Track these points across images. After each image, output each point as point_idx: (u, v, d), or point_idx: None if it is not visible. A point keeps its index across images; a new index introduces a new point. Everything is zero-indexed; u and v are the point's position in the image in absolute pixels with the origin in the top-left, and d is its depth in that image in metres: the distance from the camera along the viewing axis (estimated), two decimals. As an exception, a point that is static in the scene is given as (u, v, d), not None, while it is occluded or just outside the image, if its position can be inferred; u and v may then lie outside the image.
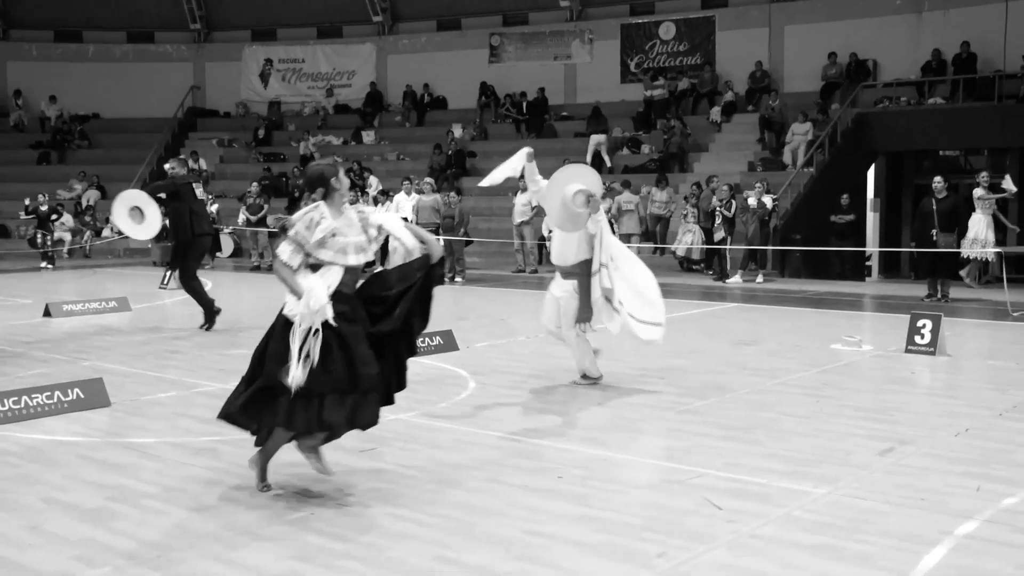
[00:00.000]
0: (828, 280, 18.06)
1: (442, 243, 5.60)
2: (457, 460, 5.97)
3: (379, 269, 5.71)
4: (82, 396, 7.34)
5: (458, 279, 17.85)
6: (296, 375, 4.90)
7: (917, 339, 9.76)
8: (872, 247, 19.72)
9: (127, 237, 12.12)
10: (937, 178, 15.16)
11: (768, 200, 17.99)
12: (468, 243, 19.65)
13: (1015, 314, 12.83)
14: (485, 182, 8.55)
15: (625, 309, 7.91)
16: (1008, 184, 15.27)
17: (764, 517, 4.88)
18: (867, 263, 20.00)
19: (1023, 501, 5.13)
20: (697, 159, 23.57)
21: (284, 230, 5.16)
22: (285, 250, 5.12)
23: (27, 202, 22.94)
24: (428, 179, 21.17)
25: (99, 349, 10.33)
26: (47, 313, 12.82)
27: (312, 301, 4.95)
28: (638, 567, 4.26)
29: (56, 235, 23.19)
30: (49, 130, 30.18)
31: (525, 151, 8.07)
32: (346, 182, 5.35)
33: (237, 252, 23.78)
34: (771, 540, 4.57)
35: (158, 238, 17.83)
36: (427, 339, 9.45)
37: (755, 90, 24.81)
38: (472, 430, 6.73)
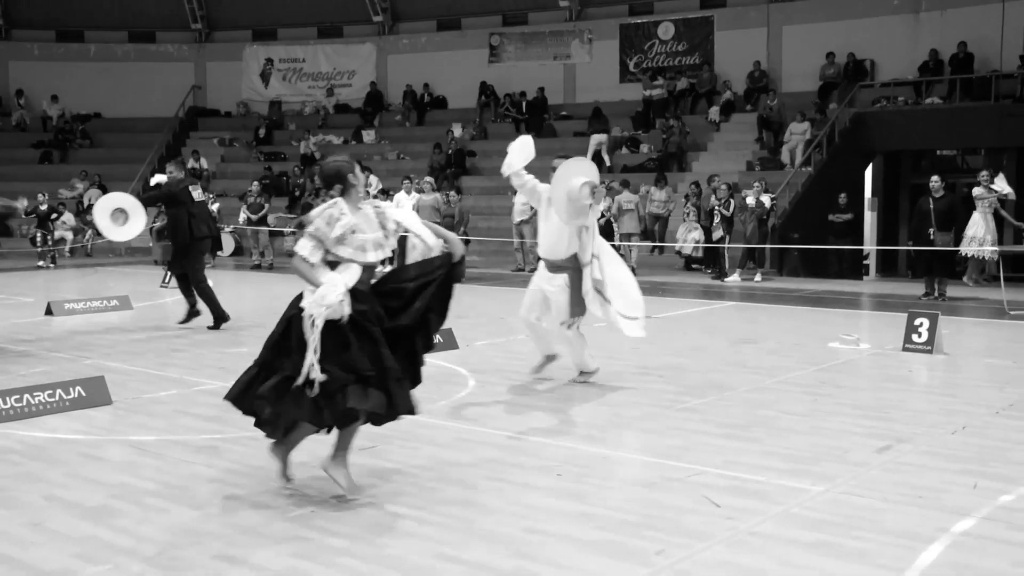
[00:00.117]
0: (826, 279, 18.09)
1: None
2: (457, 458, 5.98)
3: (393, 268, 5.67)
4: (84, 394, 7.36)
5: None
6: (314, 371, 4.86)
7: (914, 337, 9.79)
8: (870, 246, 19.75)
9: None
10: (934, 177, 15.19)
11: (766, 199, 18.02)
12: (467, 242, 19.66)
13: (1012, 312, 12.85)
14: (507, 170, 8.39)
15: (613, 306, 7.96)
16: (1000, 185, 15.26)
17: (762, 514, 4.89)
18: (865, 262, 20.04)
19: (1020, 498, 5.15)
20: (696, 158, 23.61)
21: (302, 226, 5.10)
22: (305, 245, 5.04)
23: (24, 202, 22.97)
24: (428, 178, 21.22)
25: (101, 347, 10.36)
26: (49, 311, 12.86)
27: (331, 295, 4.88)
28: (637, 564, 4.28)
29: (58, 234, 23.22)
30: (51, 129, 30.22)
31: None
32: (363, 178, 5.31)
33: (238, 251, 23.81)
34: (769, 537, 4.59)
35: (159, 236, 17.86)
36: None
37: (753, 90, 24.85)
38: (472, 428, 6.75)
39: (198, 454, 6.11)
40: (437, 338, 9.51)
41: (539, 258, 8.48)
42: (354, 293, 5.01)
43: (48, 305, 12.96)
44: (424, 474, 5.62)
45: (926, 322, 9.75)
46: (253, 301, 14.80)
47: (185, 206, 11.57)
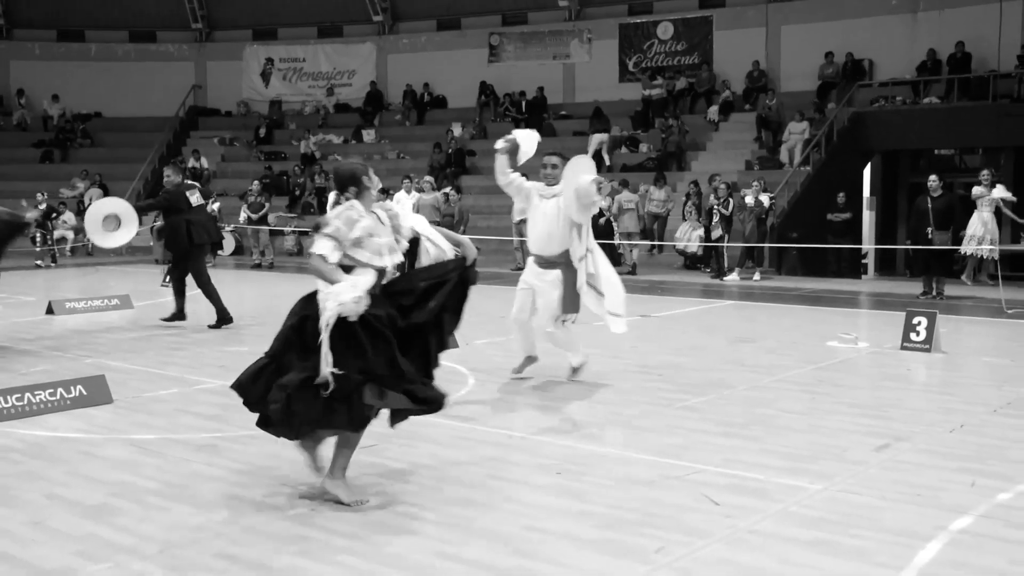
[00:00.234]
0: (824, 278, 18.11)
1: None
2: (456, 456, 6.00)
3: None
4: (84, 393, 7.37)
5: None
6: (327, 368, 4.83)
7: (913, 336, 9.81)
8: (868, 245, 19.77)
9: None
10: (932, 177, 15.21)
11: (765, 198, 18.05)
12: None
13: (1010, 311, 12.88)
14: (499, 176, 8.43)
15: (605, 300, 8.01)
16: (1000, 193, 15.26)
17: (761, 512, 4.91)
18: (863, 261, 20.06)
19: (1017, 496, 5.17)
20: (695, 158, 23.65)
21: (318, 228, 5.07)
22: (325, 245, 4.98)
23: (33, 212, 22.98)
24: (428, 177, 21.23)
25: (101, 346, 10.38)
26: (50, 310, 12.88)
27: (347, 293, 4.82)
28: (636, 562, 4.29)
29: (58, 233, 23.23)
30: (52, 129, 30.24)
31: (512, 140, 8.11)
32: (376, 181, 5.28)
33: (238, 250, 23.83)
34: (768, 535, 4.60)
35: (160, 235, 17.85)
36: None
37: (752, 89, 24.87)
38: (471, 426, 6.77)
39: (199, 453, 6.12)
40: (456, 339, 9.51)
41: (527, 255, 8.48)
42: (370, 297, 4.97)
43: (49, 304, 12.99)
44: (424, 472, 5.63)
45: (924, 321, 9.77)
46: (254, 300, 14.80)
47: (183, 213, 11.51)
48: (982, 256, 15.52)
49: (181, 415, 7.18)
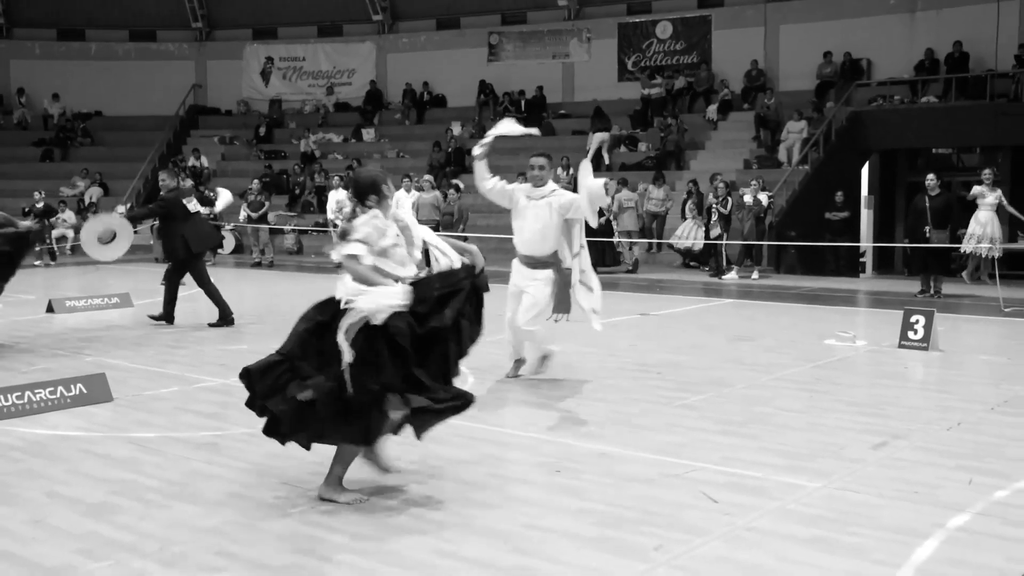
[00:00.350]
0: (822, 276, 18.12)
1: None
2: (456, 455, 6.01)
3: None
4: (85, 391, 7.39)
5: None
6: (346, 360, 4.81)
7: (910, 334, 9.83)
8: (866, 244, 19.79)
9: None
10: (930, 176, 15.24)
11: (763, 197, 18.08)
12: (464, 239, 19.70)
13: (1007, 310, 12.90)
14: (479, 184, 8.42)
15: (594, 295, 8.11)
16: (979, 191, 15.32)
17: (759, 510, 4.92)
18: (861, 259, 20.05)
19: (1014, 494, 5.19)
20: (693, 157, 23.68)
21: (345, 235, 5.03)
22: (359, 248, 4.95)
23: (29, 222, 23.00)
24: (428, 176, 21.26)
25: (102, 345, 10.39)
26: (50, 309, 12.91)
27: (390, 298, 4.81)
28: (635, 560, 4.31)
29: (58, 232, 23.26)
30: (52, 128, 30.28)
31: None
32: (394, 189, 5.27)
33: (238, 249, 23.86)
34: (766, 533, 4.62)
35: (160, 235, 17.84)
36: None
37: (751, 88, 24.91)
38: (470, 424, 6.76)
39: (199, 451, 6.13)
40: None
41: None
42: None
43: (49, 303, 13.01)
44: (423, 470, 5.64)
45: (922, 319, 9.79)
46: (254, 299, 14.84)
47: (179, 221, 11.46)
48: (981, 255, 15.54)
49: (181, 413, 7.19)
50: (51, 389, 7.26)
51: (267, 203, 22.28)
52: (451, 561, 4.31)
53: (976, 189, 15.44)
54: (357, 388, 4.80)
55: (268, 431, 5.13)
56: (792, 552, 4.39)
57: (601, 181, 7.94)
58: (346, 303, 4.88)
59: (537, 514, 4.90)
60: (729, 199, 17.87)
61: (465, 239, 19.43)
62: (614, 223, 19.28)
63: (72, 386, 7.37)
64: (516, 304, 8.22)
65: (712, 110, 24.93)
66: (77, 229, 23.71)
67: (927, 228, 14.73)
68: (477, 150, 8.12)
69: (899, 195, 23.24)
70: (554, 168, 8.39)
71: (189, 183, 24.51)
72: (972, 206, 15.60)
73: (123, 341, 10.67)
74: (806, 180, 20.50)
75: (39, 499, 5.19)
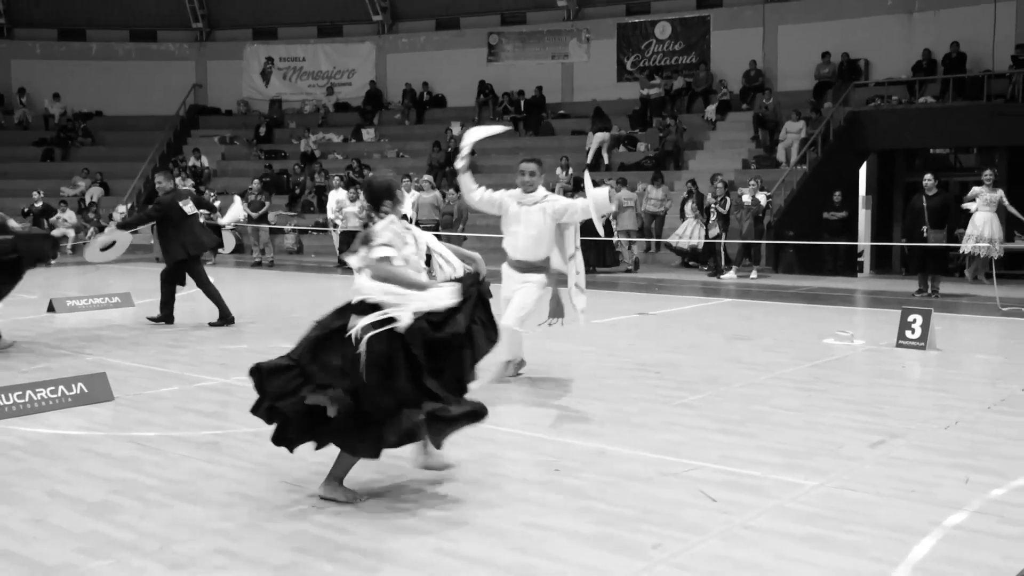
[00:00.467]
0: (821, 276, 18.16)
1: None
2: (455, 453, 6.00)
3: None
4: (85, 390, 7.40)
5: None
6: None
7: (908, 334, 9.86)
8: (864, 243, 19.83)
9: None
10: (927, 176, 15.28)
11: (762, 197, 18.11)
12: (464, 239, 19.73)
13: (1004, 309, 12.93)
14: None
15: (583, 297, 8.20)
16: (977, 191, 15.38)
17: (757, 508, 4.94)
18: (859, 259, 20.10)
19: (1011, 492, 5.20)
20: (692, 157, 23.71)
21: (368, 241, 5.03)
22: (388, 251, 4.97)
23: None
24: (427, 176, 21.28)
25: (102, 344, 10.40)
26: (51, 308, 12.93)
27: (443, 300, 4.83)
28: (633, 558, 4.32)
29: (59, 231, 23.22)
30: (53, 127, 30.32)
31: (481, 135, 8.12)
32: (405, 194, 5.29)
33: (239, 248, 23.83)
34: (764, 531, 4.64)
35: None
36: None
37: (749, 89, 24.94)
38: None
39: (199, 450, 6.14)
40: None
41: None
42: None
43: (50, 302, 13.03)
44: (422, 470, 5.65)
45: (919, 319, 9.82)
46: (254, 299, 14.86)
47: (174, 223, 11.46)
48: (979, 255, 15.58)
49: (182, 412, 7.20)
50: (52, 388, 7.28)
51: (267, 203, 22.31)
52: (451, 560, 4.33)
53: (975, 190, 15.47)
54: (371, 404, 4.82)
55: (277, 439, 5.11)
56: (790, 550, 4.40)
57: (606, 190, 7.96)
58: (374, 303, 4.90)
59: (536, 512, 4.92)
60: (727, 199, 17.90)
61: (464, 239, 19.48)
62: (613, 223, 19.30)
63: (73, 385, 7.39)
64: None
65: (711, 110, 24.96)
66: (78, 229, 23.77)
67: (924, 228, 14.77)
68: (459, 163, 8.10)
69: (897, 195, 23.28)
70: (543, 174, 8.36)
71: (189, 184, 24.61)
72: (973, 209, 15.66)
73: (124, 340, 10.68)
74: (804, 180, 20.53)
75: (40, 498, 5.20)
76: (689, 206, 19.62)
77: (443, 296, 4.89)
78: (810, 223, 18.79)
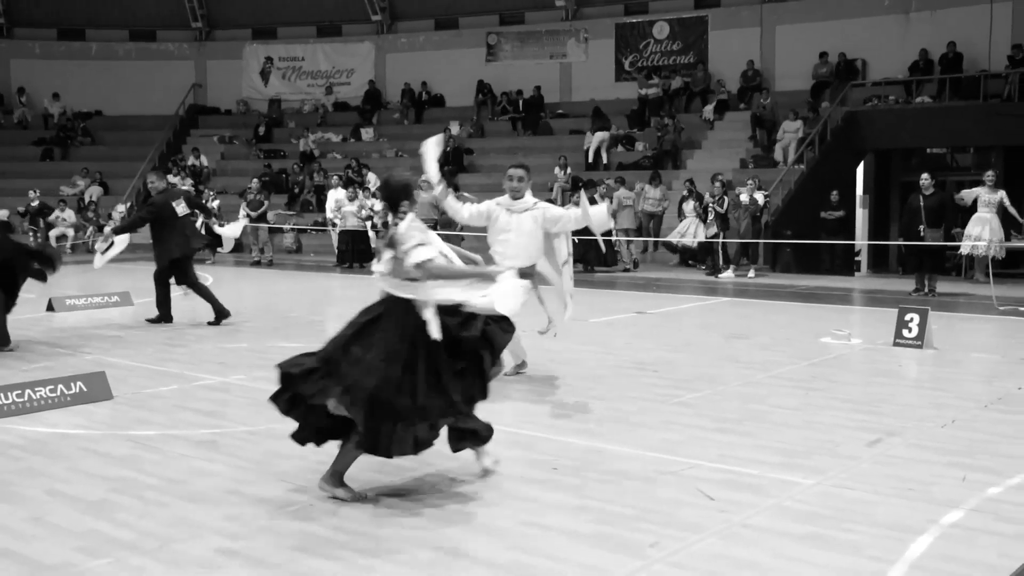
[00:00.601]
0: (818, 275, 18.16)
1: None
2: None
3: None
4: (84, 389, 7.42)
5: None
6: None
7: (905, 333, 9.88)
8: (861, 242, 19.84)
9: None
10: (924, 175, 15.31)
11: (760, 196, 18.12)
12: (462, 239, 19.72)
13: (1001, 308, 12.96)
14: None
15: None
16: (968, 193, 15.44)
17: (755, 507, 4.96)
18: (856, 258, 20.11)
19: (1007, 491, 5.22)
20: (690, 156, 23.71)
21: (393, 244, 5.03)
22: (427, 250, 5.00)
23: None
24: (425, 176, 21.23)
25: (101, 343, 10.41)
26: (50, 307, 12.94)
27: (517, 291, 4.92)
28: (631, 557, 4.33)
29: (58, 231, 23.30)
30: (52, 127, 30.30)
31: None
32: (420, 193, 5.34)
33: (238, 248, 23.81)
34: (762, 530, 4.65)
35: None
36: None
37: (747, 89, 24.95)
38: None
39: (198, 448, 6.15)
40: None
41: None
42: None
43: (49, 301, 13.03)
44: (421, 468, 5.65)
45: (916, 317, 9.84)
46: (253, 298, 14.87)
47: (168, 225, 11.46)
48: (977, 255, 15.61)
49: (180, 411, 7.21)
50: (51, 387, 7.29)
51: (266, 202, 22.31)
52: (448, 558, 4.34)
53: (965, 192, 15.51)
54: (389, 401, 4.87)
55: (300, 437, 5.18)
56: (787, 549, 4.42)
57: (604, 207, 7.99)
58: (408, 299, 4.97)
59: (534, 511, 4.93)
60: (725, 198, 17.91)
61: (462, 239, 19.48)
62: (612, 222, 19.30)
63: (72, 384, 7.40)
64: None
65: (708, 110, 24.96)
66: (77, 228, 23.80)
67: (921, 227, 14.79)
68: (437, 190, 8.06)
69: (894, 194, 23.29)
70: (531, 180, 8.38)
71: (189, 183, 24.62)
72: (966, 207, 15.68)
73: (123, 339, 10.69)
74: (802, 179, 20.54)
75: (39, 497, 5.21)
76: (691, 206, 19.62)
77: (518, 288, 4.97)
78: (807, 222, 18.80)
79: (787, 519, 4.80)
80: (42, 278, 10.25)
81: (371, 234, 20.65)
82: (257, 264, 21.49)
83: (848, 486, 5.30)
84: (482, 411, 5.07)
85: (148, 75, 30.59)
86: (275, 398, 5.10)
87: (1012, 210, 15.47)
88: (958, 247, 15.89)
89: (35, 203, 22.66)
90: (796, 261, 18.88)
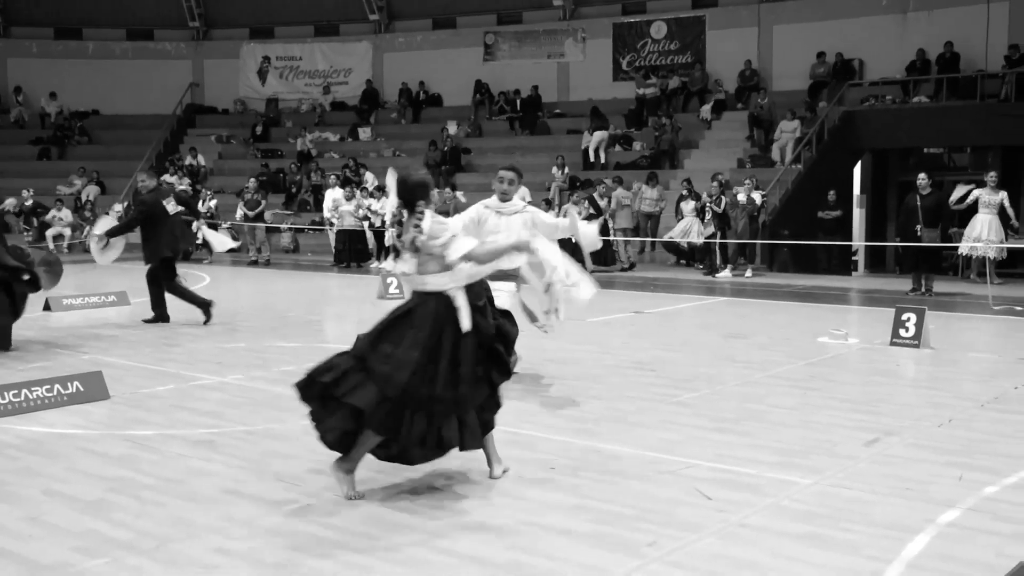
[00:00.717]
0: (815, 275, 18.19)
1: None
2: (451, 451, 6.03)
3: None
4: (81, 389, 7.41)
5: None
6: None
7: (902, 332, 9.90)
8: (858, 242, 19.86)
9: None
10: (921, 175, 15.33)
11: (757, 196, 18.12)
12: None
13: (997, 307, 12.98)
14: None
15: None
16: (960, 192, 15.47)
17: (753, 507, 4.96)
18: (853, 258, 20.12)
19: (1004, 490, 5.23)
20: (687, 156, 23.73)
21: (416, 247, 5.04)
22: (465, 240, 5.08)
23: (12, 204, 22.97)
24: (422, 176, 21.23)
25: (98, 342, 10.40)
26: (47, 307, 12.91)
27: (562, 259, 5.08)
28: (629, 556, 4.33)
29: (55, 230, 23.28)
30: (49, 126, 30.29)
31: None
32: (434, 193, 5.35)
33: (235, 247, 23.84)
34: (760, 529, 4.65)
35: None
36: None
37: (744, 88, 24.97)
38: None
39: (195, 448, 6.15)
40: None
41: None
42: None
43: (46, 301, 13.00)
44: (418, 467, 5.64)
45: (913, 317, 9.85)
46: (250, 297, 14.87)
47: (159, 224, 11.44)
48: (975, 256, 15.63)
49: (178, 411, 7.21)
50: (48, 387, 7.28)
51: (264, 202, 22.30)
52: (446, 557, 4.34)
53: (957, 191, 15.53)
54: (411, 390, 4.90)
55: (328, 440, 5.17)
56: (785, 548, 4.42)
57: (595, 227, 7.98)
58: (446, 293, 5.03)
59: (532, 510, 4.93)
60: (723, 198, 17.92)
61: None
62: (610, 222, 19.34)
63: (69, 384, 7.39)
64: None
65: (706, 110, 24.98)
66: (74, 227, 23.77)
67: (918, 227, 14.81)
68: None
69: (891, 194, 23.29)
70: (521, 183, 8.39)
71: (186, 183, 24.60)
72: (964, 208, 15.71)
73: (120, 339, 10.68)
74: (799, 179, 20.56)
75: (36, 497, 5.20)
76: (690, 206, 19.62)
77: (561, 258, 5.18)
78: (805, 222, 18.82)
79: (785, 518, 4.80)
80: (35, 288, 10.19)
81: (368, 234, 20.66)
82: (254, 264, 21.48)
83: (845, 485, 5.31)
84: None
85: (145, 74, 30.58)
86: (306, 399, 5.10)
87: (1010, 211, 15.48)
88: (955, 247, 15.91)
89: (28, 202, 22.64)
90: (793, 261, 18.90)
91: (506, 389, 7.94)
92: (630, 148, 24.69)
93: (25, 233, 22.34)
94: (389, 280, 14.30)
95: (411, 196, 5.13)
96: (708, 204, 18.05)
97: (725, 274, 17.72)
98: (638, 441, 6.29)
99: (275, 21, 31.21)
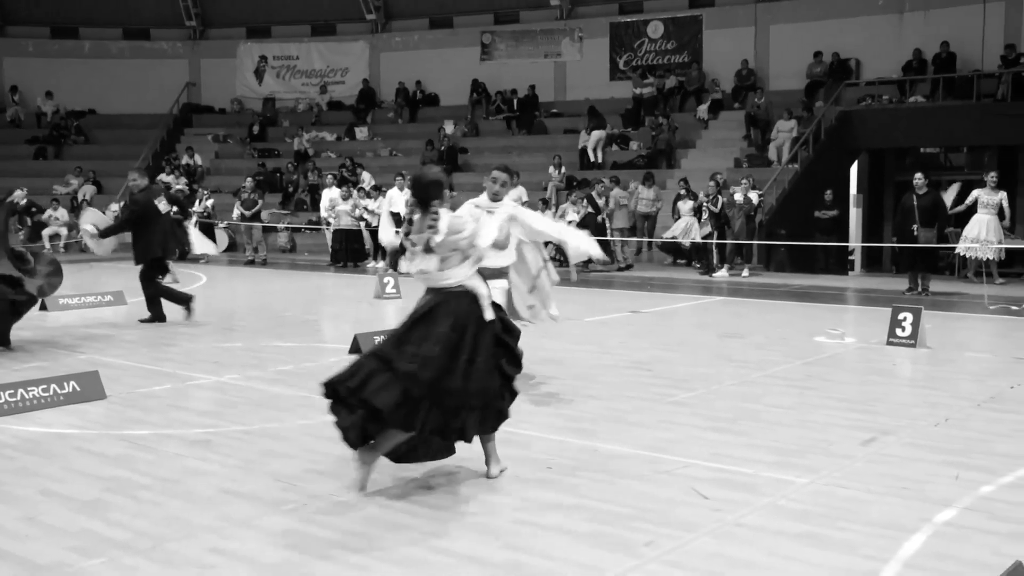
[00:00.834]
0: (812, 274, 18.19)
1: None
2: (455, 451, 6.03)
3: None
4: (78, 389, 7.40)
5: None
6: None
7: (898, 332, 9.90)
8: (855, 242, 19.87)
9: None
10: (918, 175, 15.35)
11: (754, 196, 18.12)
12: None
13: (992, 307, 13.00)
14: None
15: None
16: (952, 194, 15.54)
17: (749, 506, 4.96)
18: (850, 257, 20.14)
19: (1000, 489, 5.24)
20: (684, 155, 23.73)
21: (430, 249, 5.03)
22: (493, 228, 5.19)
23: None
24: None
25: (95, 342, 10.39)
26: (43, 307, 12.87)
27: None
28: (626, 556, 4.33)
29: (52, 230, 23.25)
30: (46, 126, 30.26)
31: None
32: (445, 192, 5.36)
33: (232, 247, 23.84)
34: (756, 529, 4.66)
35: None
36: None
37: (741, 88, 24.98)
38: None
39: (192, 448, 6.14)
40: None
41: None
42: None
43: (42, 300, 12.96)
44: (416, 466, 5.63)
45: (910, 316, 9.86)
46: (247, 297, 14.86)
47: (151, 223, 11.43)
48: (972, 256, 15.65)
49: (174, 411, 7.20)
50: (44, 387, 7.27)
51: (260, 201, 22.30)
52: (443, 557, 4.34)
53: (976, 191, 15.54)
54: (424, 379, 4.92)
55: (351, 439, 5.17)
56: (782, 547, 4.42)
57: (592, 244, 8.00)
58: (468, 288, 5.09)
59: (529, 510, 4.93)
60: (720, 197, 17.93)
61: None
62: (607, 222, 19.34)
63: (65, 384, 7.38)
64: None
65: (703, 109, 24.99)
66: (70, 227, 23.74)
67: (915, 226, 14.83)
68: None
69: (887, 194, 23.32)
70: (517, 182, 8.41)
71: (183, 182, 24.58)
72: (963, 209, 15.72)
73: (116, 339, 10.68)
74: (796, 179, 20.57)
75: (33, 497, 5.20)
76: (688, 205, 19.63)
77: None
78: (801, 222, 18.83)
79: (781, 518, 4.80)
80: (31, 303, 10.16)
81: (365, 233, 20.65)
82: (251, 263, 21.47)
83: (842, 485, 5.31)
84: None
85: (142, 74, 30.54)
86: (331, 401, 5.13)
87: (1007, 211, 15.50)
88: (952, 247, 15.92)
89: (22, 201, 22.57)
90: (790, 260, 18.91)
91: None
92: (627, 148, 24.70)
93: (19, 232, 22.27)
94: (386, 280, 14.32)
95: (425, 195, 5.10)
96: (705, 204, 18.07)
97: (722, 274, 17.73)
98: (635, 441, 6.29)
99: (272, 20, 31.19)
